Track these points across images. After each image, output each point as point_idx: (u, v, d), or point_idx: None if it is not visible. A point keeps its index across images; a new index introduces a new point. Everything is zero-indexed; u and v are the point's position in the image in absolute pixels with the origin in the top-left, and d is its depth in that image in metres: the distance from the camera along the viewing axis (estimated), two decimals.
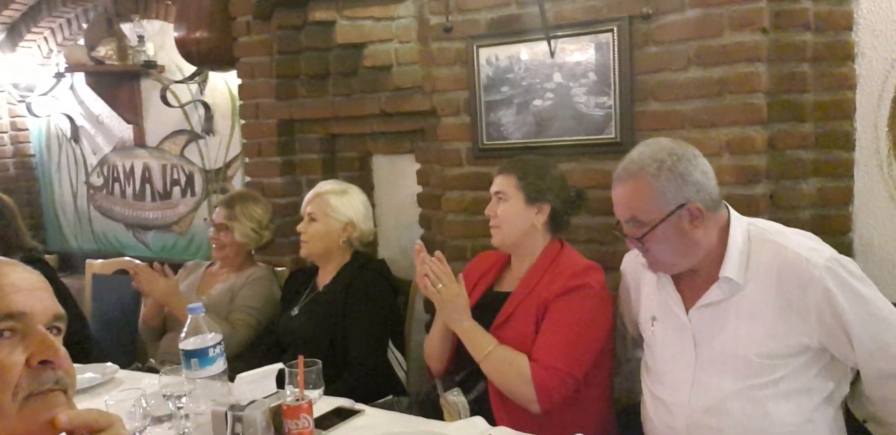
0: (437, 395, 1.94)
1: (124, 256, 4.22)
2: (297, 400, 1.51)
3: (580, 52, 2.22)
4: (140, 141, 4.02)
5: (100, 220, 4.36)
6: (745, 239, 1.58)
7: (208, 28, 2.79)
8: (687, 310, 1.63)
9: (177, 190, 3.96)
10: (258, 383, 1.58)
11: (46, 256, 3.62)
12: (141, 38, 3.61)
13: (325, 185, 2.39)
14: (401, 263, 2.89)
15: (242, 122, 2.95)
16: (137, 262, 3.33)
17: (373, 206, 3.01)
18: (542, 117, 2.33)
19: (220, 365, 1.60)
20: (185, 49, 2.86)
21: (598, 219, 2.30)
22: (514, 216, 1.93)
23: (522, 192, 1.92)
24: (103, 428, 0.91)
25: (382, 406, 1.92)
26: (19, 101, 4.40)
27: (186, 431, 1.65)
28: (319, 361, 1.66)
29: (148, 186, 4.08)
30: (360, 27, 2.41)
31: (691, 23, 2.03)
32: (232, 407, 1.52)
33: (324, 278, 2.39)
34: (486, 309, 1.98)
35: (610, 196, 2.25)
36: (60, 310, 0.96)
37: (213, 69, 3.16)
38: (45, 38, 4.16)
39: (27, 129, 4.52)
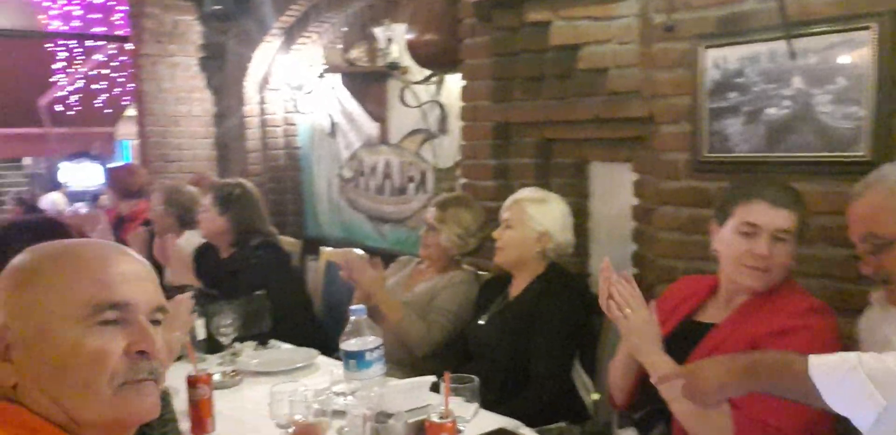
0: (612, 430, 1.78)
1: (364, 246, 4.53)
2: (442, 417, 1.46)
3: (828, 53, 1.88)
4: (384, 138, 4.26)
5: (347, 210, 4.70)
6: None
7: (437, 30, 2.84)
8: None
9: (411, 186, 4.13)
10: (409, 394, 1.56)
11: (292, 241, 4.00)
12: (389, 41, 3.79)
13: (524, 192, 2.32)
14: None
15: (462, 124, 2.97)
16: (359, 251, 3.54)
17: (587, 215, 2.87)
18: (776, 128, 2.02)
19: (377, 369, 1.60)
20: (415, 51, 2.94)
21: (837, 250, 1.94)
22: (789, 258, 1.67)
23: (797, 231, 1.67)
24: None
25: (550, 433, 1.81)
26: (292, 99, 4.89)
27: (346, 429, 1.67)
28: (476, 379, 1.59)
29: (388, 182, 4.31)
30: (576, 28, 2.28)
31: None
32: (379, 414, 1.51)
33: (516, 288, 2.32)
34: (682, 340, 1.76)
35: None
36: (163, 301, 0.99)
37: (439, 71, 3.23)
38: (313, 42, 4.56)
39: (296, 124, 5.01)
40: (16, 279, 0.90)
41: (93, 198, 9.88)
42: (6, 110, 7.86)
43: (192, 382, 1.80)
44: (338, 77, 4.27)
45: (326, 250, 3.61)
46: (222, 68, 5.06)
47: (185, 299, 1.63)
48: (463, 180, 3.03)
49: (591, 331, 2.27)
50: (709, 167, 2.17)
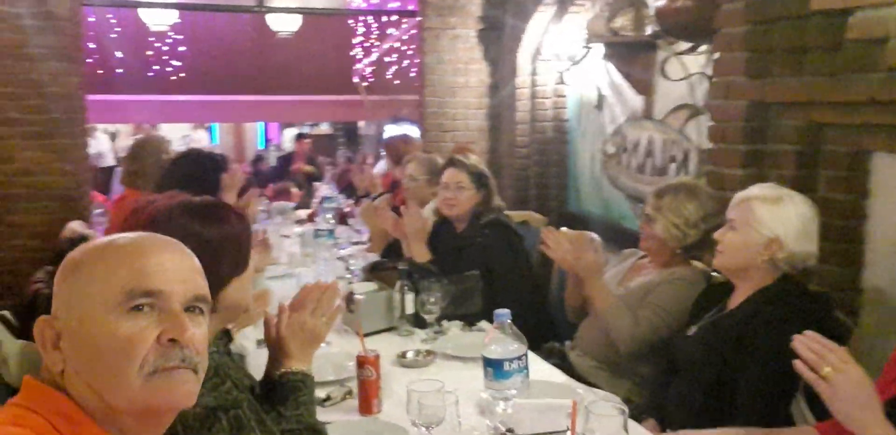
0: None
1: (620, 226, 4.28)
2: None
3: None
4: (648, 113, 3.94)
5: (607, 187, 4.48)
6: None
7: None
8: None
9: (672, 167, 3.77)
10: (543, 415, 1.40)
11: (538, 217, 3.91)
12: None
13: (755, 189, 1.94)
14: (890, 301, 2.22)
15: (713, 102, 2.59)
16: (594, 235, 3.33)
17: (863, 217, 2.35)
18: None
19: (516, 381, 1.46)
20: (664, 19, 2.61)
21: None
22: None
23: None
24: None
25: None
26: (565, 70, 4.75)
27: None
28: (625, 410, 1.37)
29: (649, 160, 3.99)
30: None
31: None
32: (507, 431, 1.38)
33: (735, 299, 1.98)
34: None
35: None
36: (203, 292, 0.99)
37: (690, 41, 2.83)
38: (586, 10, 4.34)
39: (565, 96, 4.86)
40: (65, 271, 0.96)
41: None
42: (329, 80, 8.96)
43: (360, 363, 1.83)
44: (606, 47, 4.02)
45: (562, 230, 3.45)
46: (499, 40, 5.07)
47: (332, 287, 1.64)
48: (708, 166, 2.66)
49: None
50: None
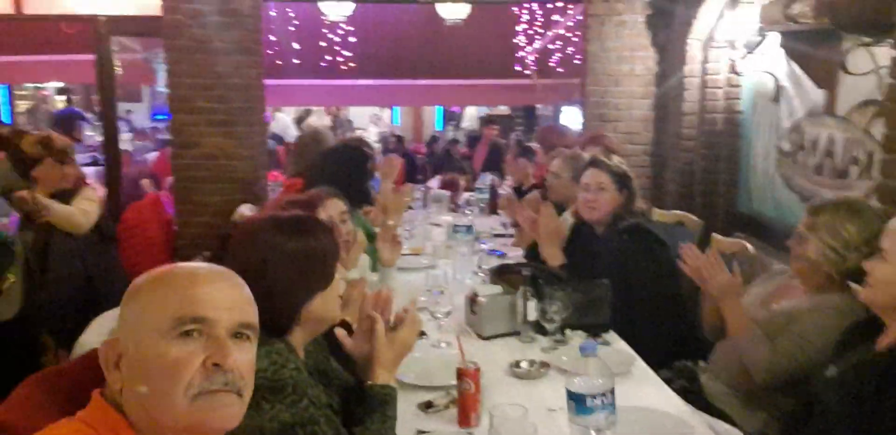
0: None
1: (791, 233, 3.90)
2: None
3: None
4: (829, 109, 3.54)
5: (781, 188, 4.10)
6: None
7: None
8: None
9: (854, 170, 3.37)
10: None
11: (694, 219, 3.67)
12: None
13: None
14: None
15: (888, 106, 2.26)
16: (749, 247, 3.07)
17: None
18: None
19: (600, 418, 1.38)
20: (835, 9, 2.30)
21: None
22: None
23: None
24: None
25: None
26: (739, 59, 4.39)
27: None
28: None
29: (828, 161, 3.59)
30: None
31: None
32: None
33: (886, 338, 1.73)
34: None
35: None
36: (250, 319, 1.03)
37: (865, 36, 2.48)
38: None
39: (739, 86, 4.49)
40: (128, 296, 1.04)
41: None
42: (496, 64, 9.03)
43: (459, 375, 1.82)
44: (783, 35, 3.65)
45: (716, 238, 3.22)
46: (668, 26, 4.78)
47: (411, 312, 1.63)
48: (880, 179, 2.35)
49: None
50: None
